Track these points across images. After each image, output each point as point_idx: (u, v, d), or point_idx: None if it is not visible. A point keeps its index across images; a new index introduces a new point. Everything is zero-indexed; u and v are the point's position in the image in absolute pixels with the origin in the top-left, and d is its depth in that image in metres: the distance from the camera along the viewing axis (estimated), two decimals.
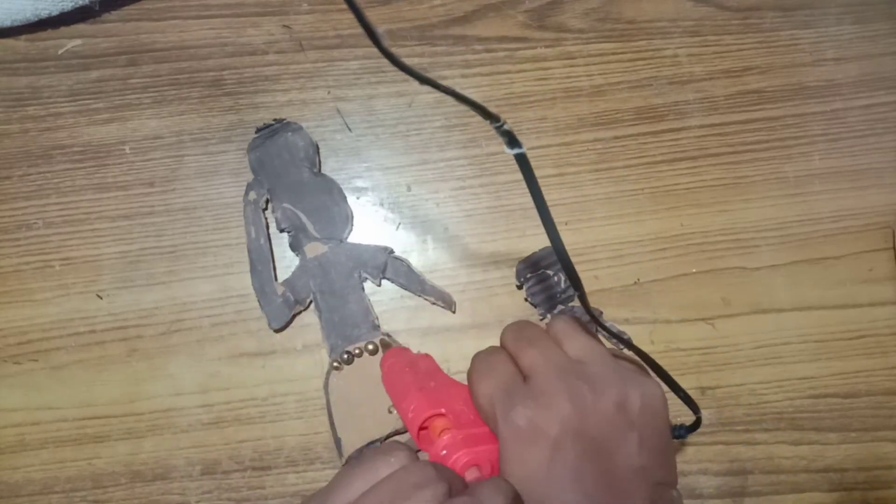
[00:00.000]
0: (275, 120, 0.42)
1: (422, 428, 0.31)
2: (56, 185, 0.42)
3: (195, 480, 0.39)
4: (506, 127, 0.22)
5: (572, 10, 0.46)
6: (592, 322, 0.30)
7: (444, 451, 0.28)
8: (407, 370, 0.35)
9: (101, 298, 0.41)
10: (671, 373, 0.41)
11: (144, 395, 0.40)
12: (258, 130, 0.42)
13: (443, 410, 0.30)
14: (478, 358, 0.32)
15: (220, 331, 0.41)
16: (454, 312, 0.41)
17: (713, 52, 0.45)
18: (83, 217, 0.42)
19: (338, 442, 0.39)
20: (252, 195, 0.42)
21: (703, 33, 0.46)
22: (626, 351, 0.37)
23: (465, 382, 0.32)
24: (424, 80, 0.20)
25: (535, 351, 0.30)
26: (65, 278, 0.41)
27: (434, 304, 0.41)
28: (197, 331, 0.41)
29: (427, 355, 0.38)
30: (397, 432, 0.40)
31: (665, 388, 0.31)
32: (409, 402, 0.31)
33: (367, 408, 0.39)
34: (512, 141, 0.22)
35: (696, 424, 0.33)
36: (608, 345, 0.39)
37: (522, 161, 0.23)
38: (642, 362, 0.32)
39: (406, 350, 0.39)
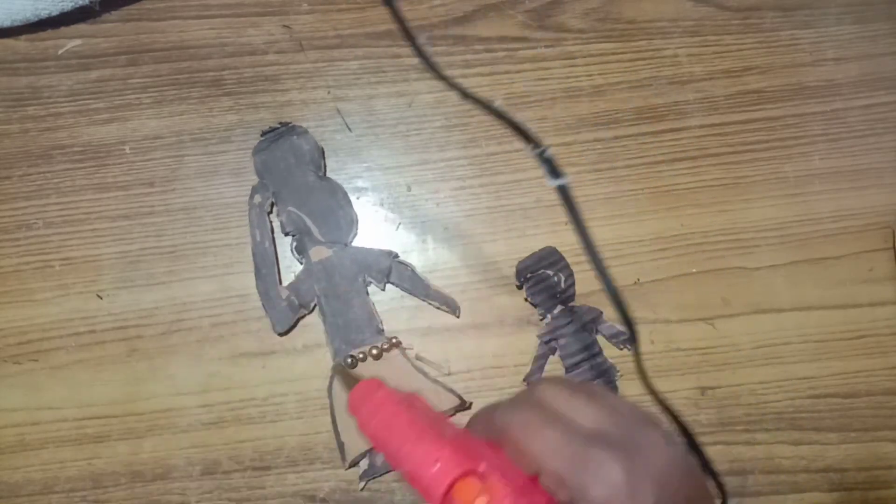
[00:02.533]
0: (280, 123, 0.42)
1: (448, 488, 0.22)
2: (56, 185, 0.42)
3: (195, 480, 0.39)
4: (547, 154, 0.19)
5: (572, 10, 0.46)
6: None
7: None
8: (405, 408, 0.25)
9: (101, 298, 0.41)
10: (671, 373, 0.41)
11: (144, 395, 0.40)
12: (263, 133, 0.42)
13: (482, 468, 0.22)
14: (513, 410, 0.25)
15: (220, 331, 0.41)
16: (458, 317, 0.41)
17: (713, 52, 0.45)
18: (83, 217, 0.42)
19: (341, 446, 0.39)
20: (257, 198, 0.41)
21: (703, 33, 0.46)
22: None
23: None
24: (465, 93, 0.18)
25: (596, 403, 0.25)
26: (65, 278, 0.41)
27: (438, 308, 0.41)
28: (197, 331, 0.41)
29: (413, 394, 0.27)
30: None
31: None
32: (428, 453, 0.23)
33: None
34: (553, 171, 0.19)
35: None
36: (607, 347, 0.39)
37: (564, 193, 0.19)
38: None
39: (381, 383, 0.27)
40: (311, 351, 0.41)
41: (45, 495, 0.39)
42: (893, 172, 0.44)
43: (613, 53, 0.45)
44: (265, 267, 0.41)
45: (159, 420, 0.40)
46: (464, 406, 0.40)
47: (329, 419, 0.40)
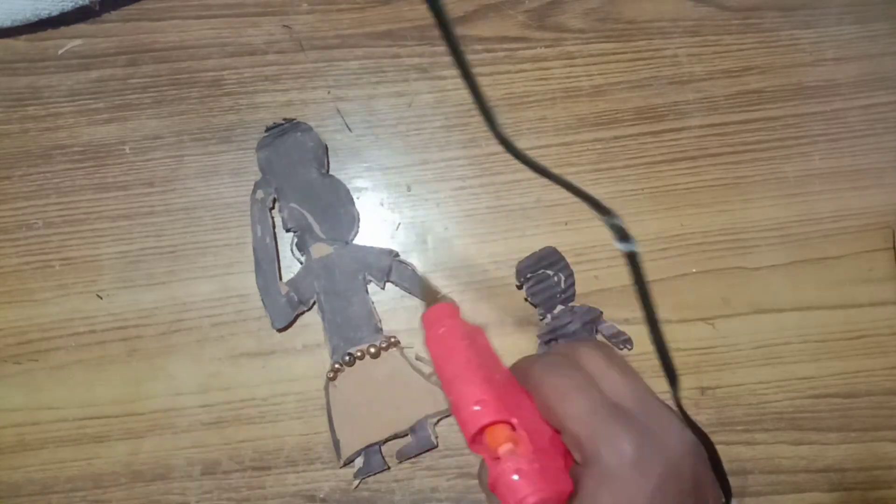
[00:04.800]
0: (284, 119, 0.42)
1: (481, 429, 0.26)
2: (56, 185, 0.42)
3: (195, 480, 0.39)
4: (617, 221, 0.19)
5: (572, 10, 0.46)
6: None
7: (517, 477, 0.24)
8: (466, 344, 0.28)
9: (101, 298, 0.41)
10: None
11: (144, 395, 0.40)
12: (268, 129, 0.42)
13: (515, 421, 0.25)
14: (550, 370, 0.27)
15: (220, 331, 0.41)
16: None
17: (713, 52, 0.45)
18: (83, 217, 0.42)
19: (336, 444, 0.39)
20: (259, 194, 0.42)
21: (703, 33, 0.46)
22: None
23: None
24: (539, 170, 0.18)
25: (627, 380, 0.27)
26: (65, 278, 0.41)
27: None
28: (197, 331, 0.41)
29: (478, 328, 0.30)
30: (397, 436, 0.40)
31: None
32: (473, 393, 0.26)
33: (367, 410, 0.39)
34: (622, 236, 0.19)
35: None
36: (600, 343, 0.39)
37: (633, 260, 0.20)
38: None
39: (456, 310, 0.30)
40: (310, 351, 0.41)
41: (45, 495, 0.39)
42: (893, 172, 0.44)
43: (613, 53, 0.45)
44: (266, 262, 0.41)
45: (159, 420, 0.40)
46: None
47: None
